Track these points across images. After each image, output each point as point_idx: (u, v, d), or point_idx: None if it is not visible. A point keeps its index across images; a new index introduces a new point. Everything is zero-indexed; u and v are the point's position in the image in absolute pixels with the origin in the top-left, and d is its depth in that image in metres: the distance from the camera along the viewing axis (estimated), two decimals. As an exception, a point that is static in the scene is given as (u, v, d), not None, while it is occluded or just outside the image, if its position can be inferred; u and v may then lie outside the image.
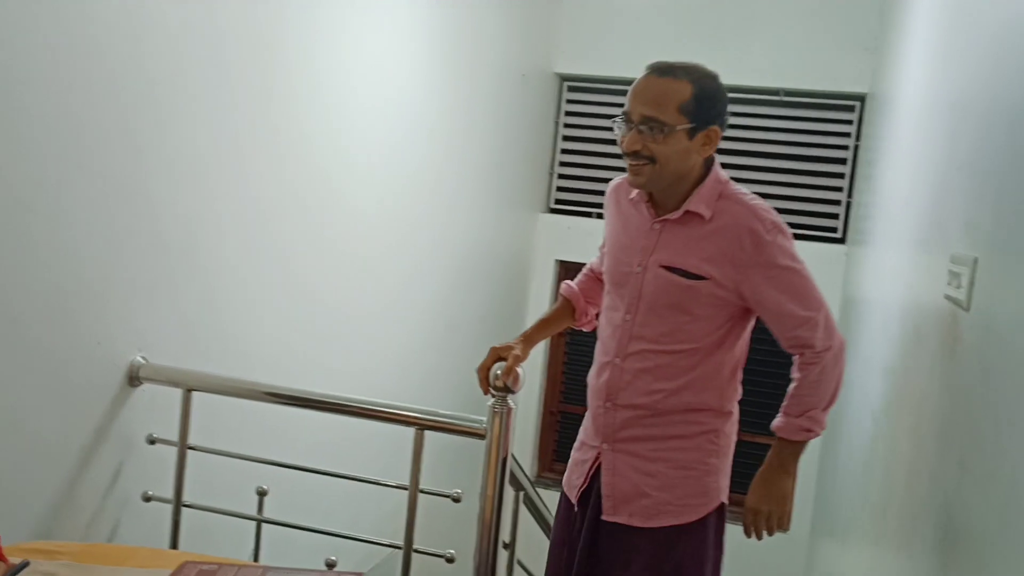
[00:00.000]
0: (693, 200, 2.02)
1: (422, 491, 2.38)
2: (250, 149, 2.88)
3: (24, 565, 1.41)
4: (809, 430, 2.08)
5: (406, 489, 2.39)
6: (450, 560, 2.40)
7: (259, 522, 2.56)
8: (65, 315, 2.24)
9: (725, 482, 2.17)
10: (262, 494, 2.55)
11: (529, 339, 2.24)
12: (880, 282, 3.39)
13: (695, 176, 2.03)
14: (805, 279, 2.02)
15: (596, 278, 2.42)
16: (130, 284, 2.44)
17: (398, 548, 2.42)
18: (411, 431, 2.36)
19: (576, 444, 2.28)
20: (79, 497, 2.36)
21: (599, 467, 2.17)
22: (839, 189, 5.46)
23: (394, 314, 4.04)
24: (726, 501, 2.17)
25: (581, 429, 2.28)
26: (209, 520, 2.58)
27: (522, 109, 5.27)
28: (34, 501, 2.22)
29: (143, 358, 2.49)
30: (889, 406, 2.67)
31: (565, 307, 2.37)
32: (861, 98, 5.32)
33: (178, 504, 2.53)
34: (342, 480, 2.60)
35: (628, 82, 2.05)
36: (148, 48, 2.38)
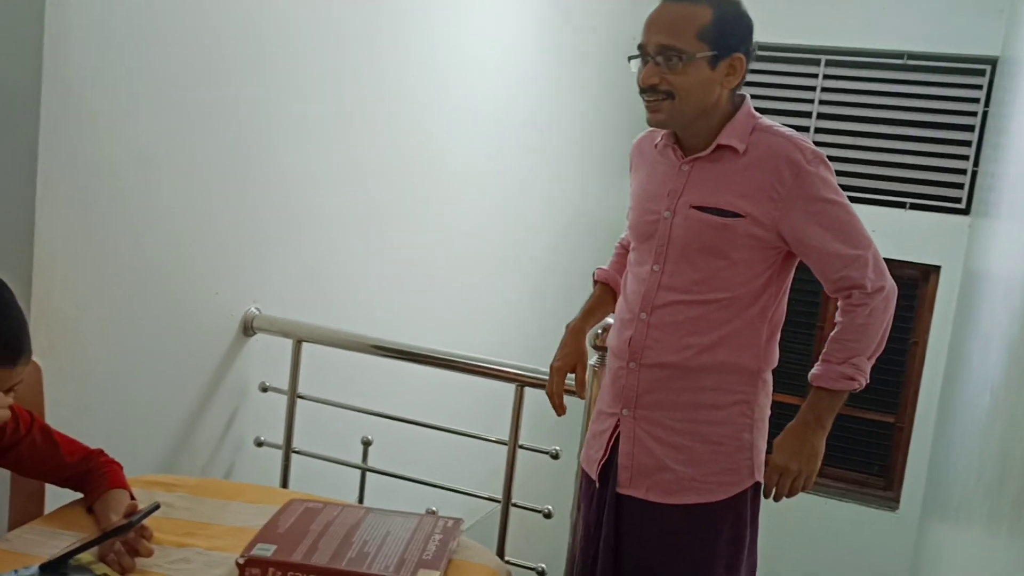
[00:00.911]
0: (724, 133, 1.82)
1: (521, 447, 2.41)
2: (362, 112, 2.94)
3: (155, 508, 1.49)
4: (852, 379, 1.82)
5: (506, 444, 2.43)
6: (548, 516, 2.43)
7: (363, 470, 2.64)
8: (188, 265, 2.35)
9: (760, 459, 1.91)
10: (367, 444, 2.63)
11: (581, 331, 2.06)
12: (1005, 255, 3.24)
13: (722, 111, 1.83)
14: (851, 215, 1.81)
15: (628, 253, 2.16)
16: (248, 238, 2.54)
17: (496, 502, 2.46)
18: (512, 387, 2.39)
19: (594, 415, 2.07)
20: (197, 438, 2.49)
21: (619, 438, 1.94)
22: (965, 158, 5.21)
23: (498, 274, 4.08)
24: (761, 480, 1.91)
25: (598, 398, 2.09)
26: (316, 466, 2.67)
27: (631, 75, 5.20)
28: (158, 439, 2.34)
29: (257, 309, 2.59)
30: (1009, 381, 2.55)
31: (605, 292, 2.13)
32: (992, 62, 5.05)
33: (287, 450, 2.63)
34: (443, 433, 2.65)
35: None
36: (267, 15, 2.45)
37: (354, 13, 2.81)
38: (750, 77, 1.88)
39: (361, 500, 2.68)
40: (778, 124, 1.87)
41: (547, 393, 2.02)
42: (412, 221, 3.35)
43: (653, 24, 1.79)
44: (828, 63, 5.25)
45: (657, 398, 1.88)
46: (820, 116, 5.31)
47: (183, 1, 2.19)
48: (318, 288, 2.85)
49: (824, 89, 5.30)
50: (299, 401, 2.63)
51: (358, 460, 2.65)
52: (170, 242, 2.28)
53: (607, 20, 4.73)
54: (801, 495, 1.90)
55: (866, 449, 5.57)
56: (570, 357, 2.00)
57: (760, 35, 1.91)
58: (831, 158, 1.88)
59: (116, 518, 1.51)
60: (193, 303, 2.41)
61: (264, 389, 2.63)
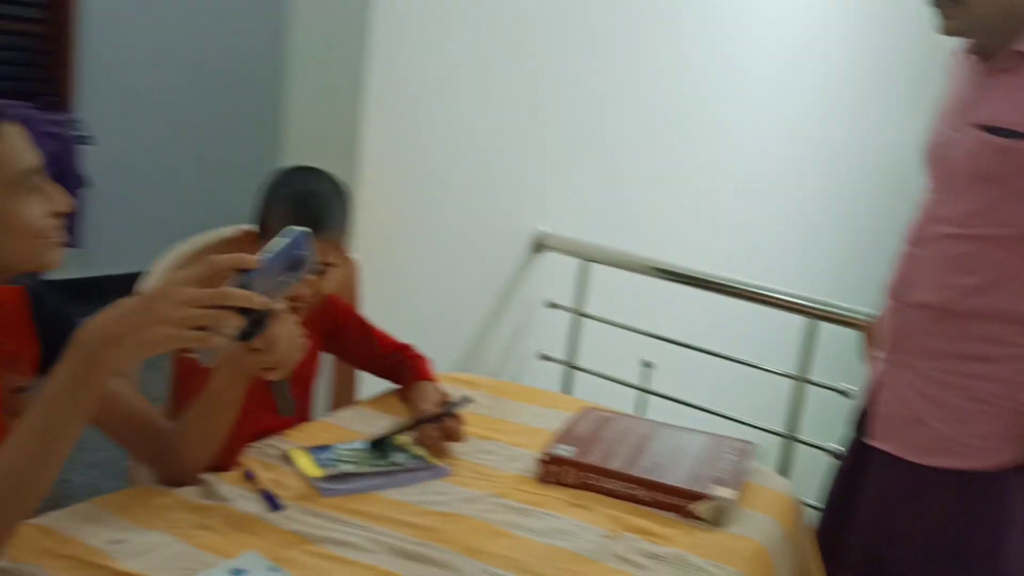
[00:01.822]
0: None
1: (808, 381, 2.34)
2: (652, 33, 2.91)
3: (467, 401, 1.59)
4: None
5: (793, 378, 2.37)
6: (837, 456, 2.34)
7: (642, 392, 2.68)
8: (486, 184, 2.46)
9: None
10: (647, 366, 2.66)
11: None
12: None
13: None
14: None
15: None
16: (540, 160, 2.61)
17: (781, 436, 2.42)
18: (802, 320, 2.32)
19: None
20: (487, 347, 2.63)
21: (879, 384, 1.73)
22: None
23: (786, 203, 3.94)
24: None
25: None
26: (595, 384, 2.74)
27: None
28: (454, 343, 2.50)
29: (547, 228, 2.67)
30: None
31: None
32: None
33: (570, 366, 2.72)
34: (722, 362, 2.63)
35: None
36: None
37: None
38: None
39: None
40: None
41: None
42: (699, 147, 3.30)
43: None
44: None
45: (919, 343, 1.65)
46: None
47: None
48: (605, 210, 2.89)
49: None
50: (583, 320, 2.69)
51: (637, 381, 2.69)
52: (471, 161, 2.40)
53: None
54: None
55: None
56: None
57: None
58: None
59: (428, 407, 1.63)
60: (489, 219, 2.53)
61: (551, 306, 2.72)
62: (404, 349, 1.83)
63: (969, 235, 1.58)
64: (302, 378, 1.70)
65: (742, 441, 1.67)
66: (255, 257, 1.01)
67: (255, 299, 0.99)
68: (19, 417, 1.07)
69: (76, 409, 0.99)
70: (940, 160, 1.64)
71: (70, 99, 4.32)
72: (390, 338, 1.84)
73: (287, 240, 1.04)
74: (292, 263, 1.05)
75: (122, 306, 0.98)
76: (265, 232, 1.56)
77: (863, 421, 1.77)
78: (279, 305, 1.07)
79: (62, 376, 0.98)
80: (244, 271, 1.01)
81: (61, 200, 1.11)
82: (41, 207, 1.09)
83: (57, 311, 1.26)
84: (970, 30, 1.58)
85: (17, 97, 3.94)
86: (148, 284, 1.57)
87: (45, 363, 1.24)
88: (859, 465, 1.75)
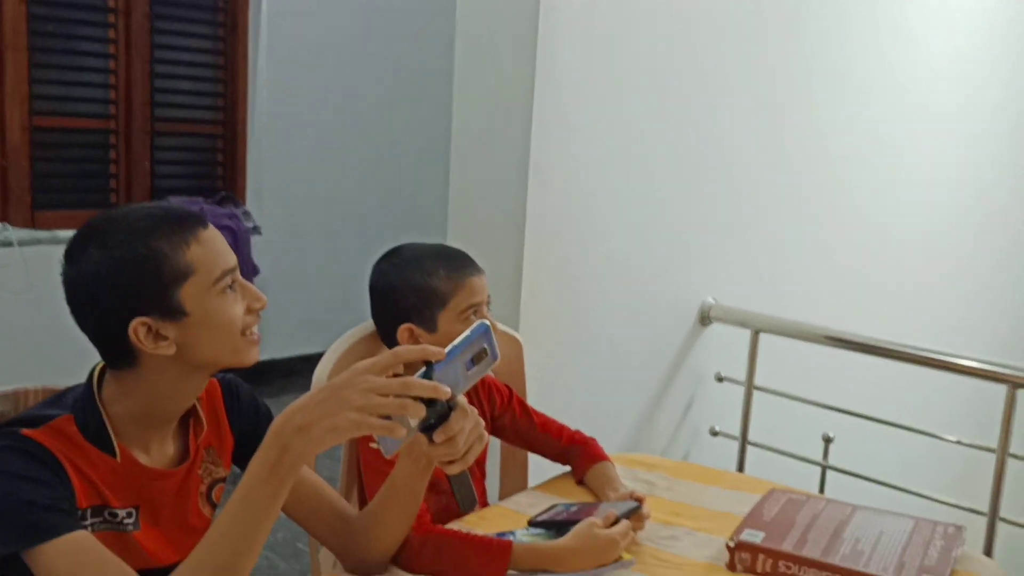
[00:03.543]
0: None
1: (1013, 456, 2.16)
2: (811, 104, 2.84)
3: (637, 507, 1.53)
4: None
5: (991, 451, 2.19)
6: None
7: (824, 468, 2.54)
8: (649, 258, 2.43)
9: None
10: (828, 440, 2.53)
11: None
12: None
13: None
14: None
15: None
16: (704, 230, 2.56)
17: (980, 514, 2.23)
18: (1002, 388, 2.15)
19: None
20: (656, 424, 2.56)
21: None
22: None
23: (958, 272, 3.72)
24: None
25: None
26: (772, 460, 2.62)
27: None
28: (623, 421, 2.45)
29: (713, 299, 2.60)
30: None
31: None
32: None
33: (744, 441, 2.62)
34: (904, 434, 2.47)
35: None
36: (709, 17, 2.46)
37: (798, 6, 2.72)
38: None
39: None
40: None
41: None
42: (860, 213, 3.17)
43: None
44: None
45: None
46: None
47: (653, 9, 2.26)
48: (775, 278, 2.80)
49: None
50: (756, 393, 2.59)
51: (816, 456, 2.55)
52: (633, 237, 2.37)
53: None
54: None
55: None
56: None
57: None
58: None
59: (612, 493, 1.59)
60: (653, 293, 2.49)
61: (720, 379, 2.64)
62: (574, 432, 1.80)
63: None
64: (478, 463, 1.69)
65: (951, 525, 1.54)
66: (440, 350, 1.01)
67: (440, 389, 0.99)
68: (219, 508, 1.10)
69: (273, 498, 1.00)
70: None
71: (241, 192, 4.59)
72: (552, 420, 1.81)
73: (471, 333, 1.04)
74: (475, 356, 1.04)
75: (312, 395, 1.00)
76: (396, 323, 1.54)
77: None
78: (462, 399, 1.07)
79: (258, 467, 1.00)
80: (429, 363, 1.01)
81: (258, 297, 1.15)
82: (241, 305, 1.13)
83: (252, 404, 1.30)
84: None
85: (195, 192, 4.25)
86: (322, 370, 1.61)
87: (239, 455, 1.27)
88: None
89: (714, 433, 2.67)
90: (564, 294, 2.23)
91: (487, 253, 2.19)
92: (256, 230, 4.40)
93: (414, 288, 1.52)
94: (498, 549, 1.39)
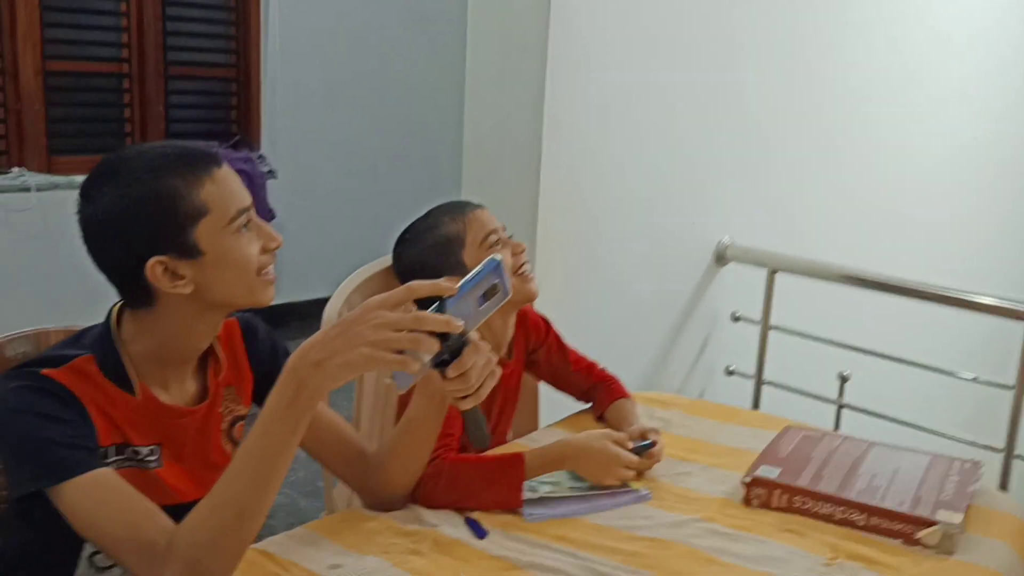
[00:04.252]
0: None
1: (1030, 392, 2.16)
2: (829, 41, 2.79)
3: (650, 445, 1.54)
4: None
5: (1009, 388, 2.19)
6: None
7: (839, 406, 2.55)
8: (667, 197, 2.42)
9: None
10: (844, 379, 2.53)
11: None
12: None
13: None
14: None
15: None
16: (721, 170, 2.54)
17: (996, 451, 2.24)
18: (1018, 326, 2.14)
19: None
20: (671, 363, 2.57)
21: None
22: None
23: (973, 204, 3.68)
24: None
25: None
26: (786, 398, 2.63)
27: None
28: (639, 360, 2.46)
29: (730, 238, 2.59)
30: None
31: None
32: None
33: (759, 380, 2.62)
34: (922, 372, 2.47)
35: None
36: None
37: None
38: None
39: (836, 436, 2.59)
40: None
41: None
42: (879, 150, 3.13)
43: None
44: None
45: None
46: None
47: None
48: (791, 217, 2.78)
49: None
50: (771, 332, 2.59)
51: (832, 395, 2.56)
52: (649, 176, 2.35)
53: None
54: None
55: None
56: None
57: None
58: None
59: (632, 428, 1.60)
60: (670, 233, 2.47)
61: (736, 319, 2.64)
62: (595, 369, 1.81)
63: None
64: (508, 400, 1.69)
65: (967, 461, 1.55)
66: (452, 285, 1.01)
67: (453, 323, 0.99)
68: (239, 445, 1.12)
69: (290, 433, 1.01)
70: None
71: (256, 137, 4.57)
72: (584, 358, 1.81)
73: (482, 269, 1.04)
74: (487, 291, 1.04)
75: (326, 331, 1.00)
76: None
77: None
78: (474, 334, 1.07)
79: (275, 403, 1.01)
80: (441, 298, 1.01)
81: (273, 237, 1.15)
82: (256, 244, 1.13)
83: (269, 342, 1.31)
84: None
85: (210, 136, 4.24)
86: (331, 309, 1.62)
87: (259, 393, 1.28)
88: None
89: (729, 372, 2.67)
90: (579, 233, 2.22)
91: (502, 192, 2.20)
92: (272, 174, 4.39)
93: (431, 246, 1.55)
94: (511, 462, 1.41)
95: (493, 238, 1.55)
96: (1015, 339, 2.17)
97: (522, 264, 1.60)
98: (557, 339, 1.78)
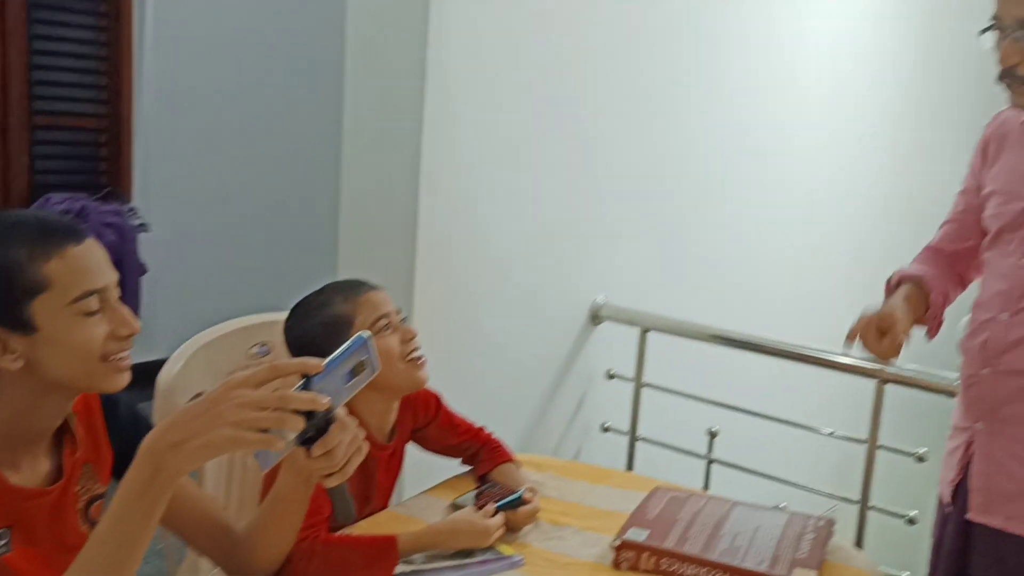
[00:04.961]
0: None
1: (881, 447, 2.28)
2: (697, 103, 2.92)
3: (518, 498, 1.57)
4: None
5: (863, 443, 2.31)
6: (911, 522, 2.27)
7: (709, 461, 2.63)
8: (543, 257, 2.47)
9: None
10: (712, 434, 2.61)
11: (907, 312, 1.70)
12: None
13: None
14: None
15: (949, 260, 1.81)
16: (593, 230, 2.61)
17: (852, 503, 2.35)
18: (871, 383, 2.26)
19: (951, 431, 1.77)
20: (549, 421, 2.60)
21: (974, 456, 1.66)
22: None
23: (838, 258, 3.88)
24: None
25: (954, 411, 1.78)
26: (660, 454, 2.69)
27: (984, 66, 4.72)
28: (516, 421, 2.48)
29: (604, 298, 2.65)
30: None
31: (917, 291, 1.76)
32: None
33: (633, 437, 2.68)
34: (790, 427, 2.57)
35: None
36: (606, 17, 2.50)
37: (687, 8, 2.79)
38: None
39: (706, 491, 2.67)
40: None
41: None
42: (751, 207, 3.27)
43: None
44: None
45: (1018, 410, 1.59)
46: None
47: (537, 14, 2.29)
48: (662, 276, 2.87)
49: None
50: (644, 389, 2.66)
51: (702, 450, 2.64)
52: (524, 239, 2.40)
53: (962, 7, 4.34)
54: None
55: None
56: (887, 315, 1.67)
57: None
58: None
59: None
60: (547, 292, 2.52)
61: (610, 376, 2.70)
62: (483, 434, 1.82)
63: None
64: (388, 478, 1.68)
65: (822, 519, 1.62)
66: (319, 361, 1.01)
67: (318, 401, 0.98)
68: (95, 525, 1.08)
69: (146, 518, 0.99)
70: None
71: (128, 189, 4.44)
72: (470, 424, 1.82)
73: (349, 345, 1.04)
74: (355, 368, 1.04)
75: (186, 410, 0.99)
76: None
77: (956, 493, 1.68)
78: (341, 411, 1.07)
79: (130, 486, 0.98)
80: (307, 376, 1.01)
81: (126, 323, 1.11)
82: (103, 329, 1.10)
83: (130, 418, 1.27)
84: None
85: (78, 188, 4.10)
86: (167, 375, 1.59)
87: (119, 470, 1.24)
88: (959, 542, 1.66)
89: (605, 429, 2.73)
90: (456, 297, 2.24)
91: (378, 252, 2.21)
92: (143, 227, 4.27)
93: (319, 324, 1.53)
94: (385, 544, 1.40)
95: (383, 322, 1.54)
96: (869, 395, 2.30)
97: (411, 351, 1.58)
98: (447, 414, 1.79)
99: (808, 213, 3.60)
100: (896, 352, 1.66)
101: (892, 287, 1.77)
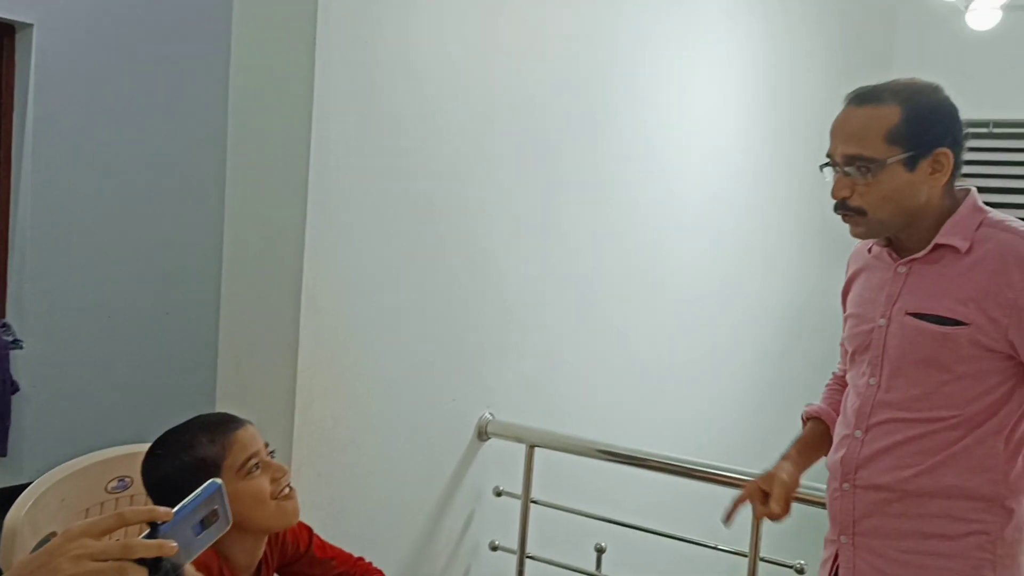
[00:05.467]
0: (944, 232, 1.63)
1: (762, 559, 2.31)
2: (578, 216, 3.01)
3: None
4: None
5: (745, 556, 2.34)
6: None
7: (597, 578, 2.61)
8: (428, 375, 2.46)
9: None
10: (600, 551, 2.60)
11: (795, 462, 1.83)
12: None
13: (937, 209, 1.64)
14: None
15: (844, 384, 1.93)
16: (479, 346, 2.63)
17: (739, 616, 2.36)
18: (750, 496, 2.30)
19: (824, 543, 1.85)
20: (437, 541, 2.55)
21: (839, 568, 1.74)
22: None
23: (720, 370, 3.99)
24: None
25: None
26: (549, 572, 2.67)
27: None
28: (403, 541, 2.43)
29: (491, 414, 2.66)
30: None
31: (820, 427, 1.91)
32: None
33: (522, 555, 2.65)
34: (676, 541, 2.59)
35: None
36: (478, 129, 2.58)
37: (564, 116, 2.89)
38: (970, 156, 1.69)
39: (596, 608, 2.64)
40: (1012, 218, 1.66)
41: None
42: (635, 322, 3.35)
43: (837, 132, 1.64)
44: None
45: (876, 524, 1.68)
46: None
47: (424, 129, 2.35)
48: (548, 392, 2.89)
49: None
50: (532, 506, 2.65)
51: (591, 567, 2.62)
52: (412, 353, 2.40)
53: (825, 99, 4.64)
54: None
55: None
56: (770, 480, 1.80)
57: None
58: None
59: None
60: (433, 410, 2.51)
61: (498, 493, 2.68)
62: (362, 563, 1.78)
63: (916, 419, 1.64)
64: None
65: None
66: (167, 510, 0.97)
67: (165, 546, 0.94)
68: None
69: None
70: (877, 348, 1.69)
71: (1, 304, 4.27)
72: (347, 554, 1.78)
73: (201, 492, 1.01)
74: (206, 517, 1.01)
75: (22, 563, 0.93)
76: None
77: None
78: (190, 567, 1.03)
79: None
80: (154, 524, 0.97)
81: None
82: None
83: None
84: (877, 232, 1.69)
85: (-54, 306, 3.91)
86: (15, 517, 1.51)
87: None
88: None
89: (493, 548, 2.69)
90: (339, 418, 2.21)
91: (259, 372, 2.17)
92: (17, 344, 4.10)
93: (185, 468, 1.46)
94: None
95: (253, 463, 1.50)
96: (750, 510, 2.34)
97: (282, 489, 1.54)
98: (320, 547, 1.75)
99: (691, 326, 3.71)
100: (783, 512, 1.76)
101: (804, 422, 1.94)
